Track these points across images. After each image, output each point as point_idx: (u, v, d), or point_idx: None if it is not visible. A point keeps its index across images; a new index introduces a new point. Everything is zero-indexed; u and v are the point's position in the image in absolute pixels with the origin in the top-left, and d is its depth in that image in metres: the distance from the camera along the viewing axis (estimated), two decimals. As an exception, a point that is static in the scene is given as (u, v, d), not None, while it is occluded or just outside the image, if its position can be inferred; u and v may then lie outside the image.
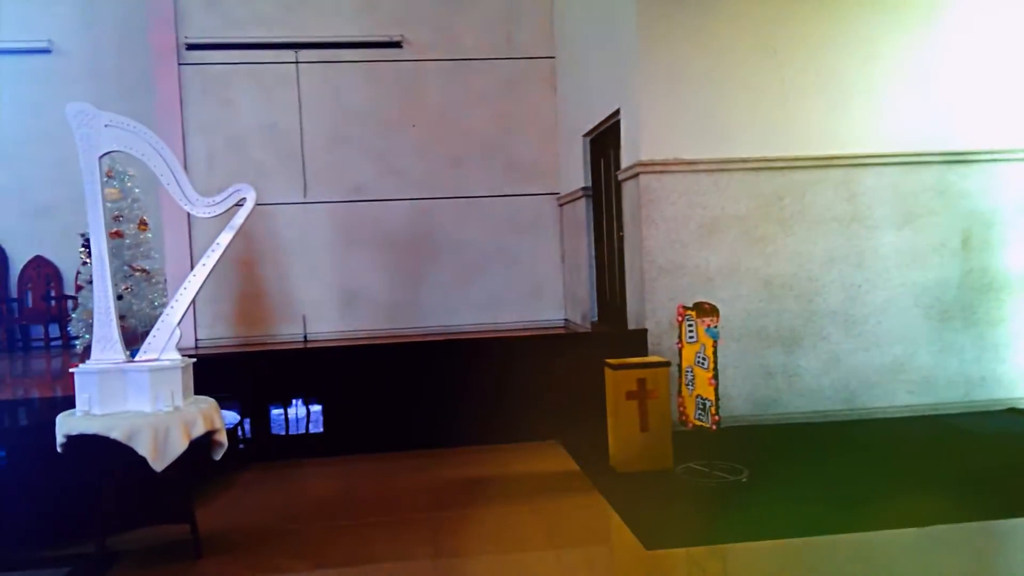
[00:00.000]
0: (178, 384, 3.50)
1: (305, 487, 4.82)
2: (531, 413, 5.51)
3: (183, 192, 3.58)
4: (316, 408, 6.68)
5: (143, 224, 5.68)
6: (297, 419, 6.03)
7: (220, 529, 3.93)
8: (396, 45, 7.58)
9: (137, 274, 5.54)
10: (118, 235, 5.51)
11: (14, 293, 8.25)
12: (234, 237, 3.72)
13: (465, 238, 7.72)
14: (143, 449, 3.28)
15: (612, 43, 5.94)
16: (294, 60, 7.53)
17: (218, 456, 3.71)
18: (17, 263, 8.32)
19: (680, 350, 4.55)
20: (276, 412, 6.12)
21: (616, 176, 5.93)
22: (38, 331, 8.21)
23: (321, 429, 5.68)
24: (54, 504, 3.81)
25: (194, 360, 3.69)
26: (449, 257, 7.70)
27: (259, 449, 5.70)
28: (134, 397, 3.44)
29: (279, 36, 7.50)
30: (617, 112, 5.89)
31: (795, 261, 5.50)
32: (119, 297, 5.43)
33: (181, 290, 3.65)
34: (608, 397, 4.67)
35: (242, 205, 3.66)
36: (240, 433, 6.15)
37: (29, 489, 3.82)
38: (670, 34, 5.36)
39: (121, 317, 5.40)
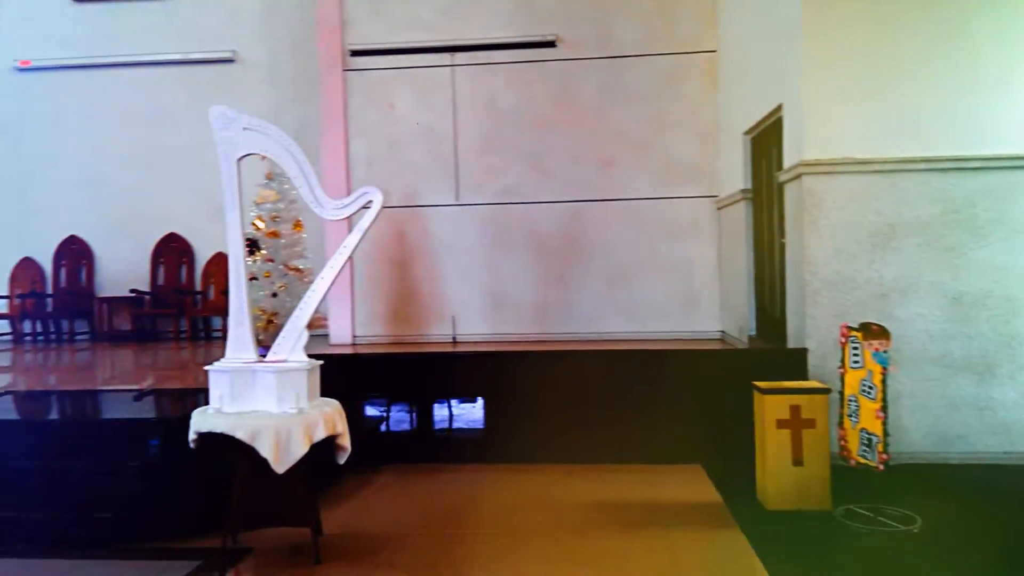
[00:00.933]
0: (303, 386, 3.52)
1: (434, 493, 4.76)
2: (675, 433, 5.17)
3: (314, 195, 3.61)
4: (456, 412, 6.68)
5: (298, 224, 5.90)
6: (436, 422, 6.03)
7: (345, 532, 3.94)
8: (550, 45, 7.41)
9: (291, 273, 5.76)
10: (275, 235, 5.75)
11: (199, 287, 8.96)
12: (361, 239, 3.70)
13: (616, 242, 7.41)
14: (265, 450, 3.31)
15: (775, 31, 5.43)
16: (450, 63, 7.58)
17: (341, 460, 3.70)
18: (203, 259, 9.04)
19: (843, 376, 4.02)
20: (417, 413, 6.16)
21: (777, 178, 5.42)
22: (218, 323, 8.87)
23: (459, 433, 5.65)
24: (193, 496, 3.97)
25: (321, 362, 3.70)
26: (600, 261, 7.43)
27: (398, 448, 5.75)
28: (262, 397, 3.50)
29: (437, 40, 7.57)
30: (780, 108, 5.37)
31: (990, 276, 4.74)
32: (274, 295, 5.67)
33: (310, 292, 3.67)
34: (757, 424, 4.23)
35: (369, 207, 3.62)
36: (384, 428, 6.27)
37: (172, 480, 4.01)
38: (838, 19, 4.80)
39: (275, 314, 5.66)
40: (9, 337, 8.76)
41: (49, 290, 9.03)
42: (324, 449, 3.60)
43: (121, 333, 8.90)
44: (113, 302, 8.95)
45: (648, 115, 7.36)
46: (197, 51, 8.90)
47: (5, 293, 8.89)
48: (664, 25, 7.34)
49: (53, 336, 8.94)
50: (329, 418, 3.51)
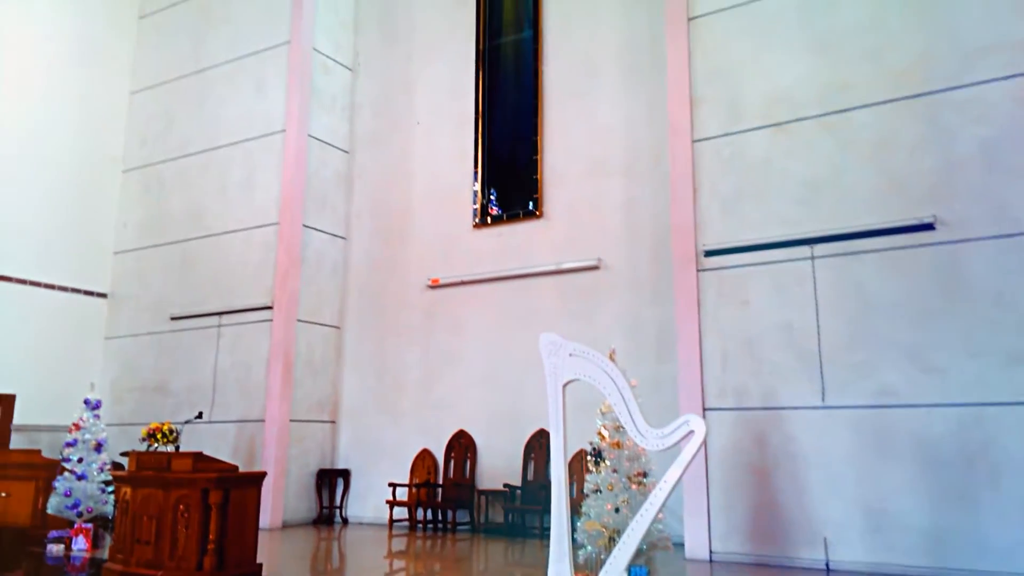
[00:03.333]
0: (620, 637, 3.21)
1: None
2: None
3: (634, 422, 3.46)
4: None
5: (642, 434, 5.75)
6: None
7: None
8: (928, 227, 6.57)
9: (634, 487, 5.55)
10: (618, 446, 5.65)
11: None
12: (683, 474, 3.40)
13: (1040, 456, 5.90)
14: None
15: None
16: (810, 256, 7.12)
17: None
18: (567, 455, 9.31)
19: None
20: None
21: None
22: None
23: None
24: None
25: (642, 609, 3.37)
26: (1017, 479, 5.94)
27: None
28: (578, 643, 3.26)
29: (794, 233, 7.23)
30: None
31: None
32: (616, 509, 5.49)
33: (628, 531, 3.44)
34: None
35: (691, 437, 3.34)
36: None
37: None
38: None
39: (616, 531, 5.44)
40: (406, 524, 9.81)
41: (440, 480, 10.02)
42: None
43: (495, 526, 9.40)
44: (489, 495, 9.58)
45: (1070, 297, 5.99)
46: (568, 261, 9.70)
47: (406, 481, 10.08)
48: (1082, 190, 6.08)
49: (440, 525, 9.79)
50: None
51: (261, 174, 11.11)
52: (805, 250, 7.15)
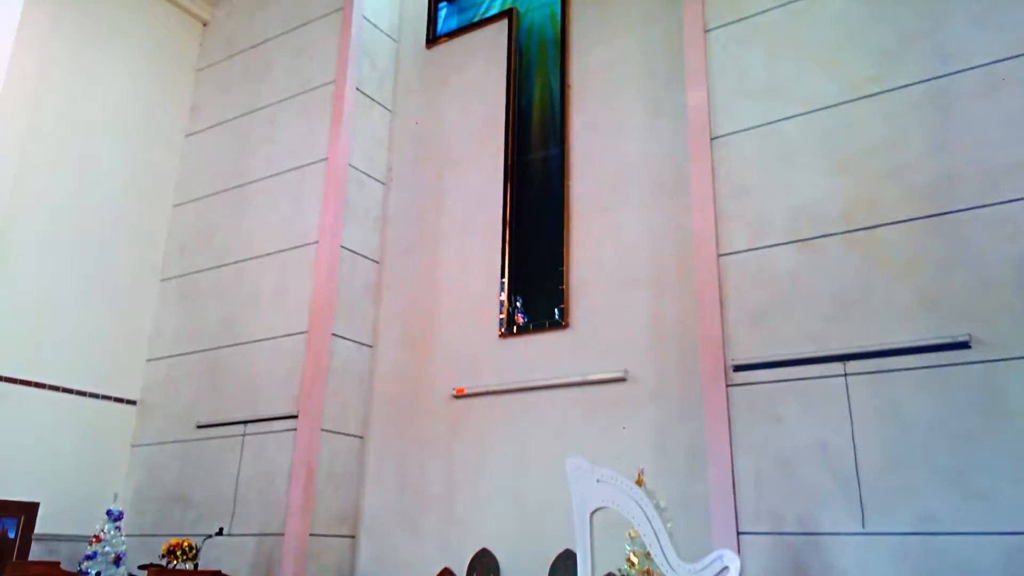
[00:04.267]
0: None
1: None
2: None
3: (664, 555, 3.34)
4: None
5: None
6: None
7: None
8: (963, 346, 6.45)
9: (666, 619, 5.29)
10: (648, 574, 5.42)
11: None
12: (717, 614, 3.23)
13: (1101, 591, 5.54)
14: None
15: None
16: (843, 373, 7.00)
17: None
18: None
19: None
20: None
21: None
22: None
23: None
24: None
25: None
26: (1078, 617, 5.57)
27: None
28: None
29: (825, 350, 7.13)
30: None
31: None
32: (646, 644, 5.20)
33: (659, 673, 3.24)
34: None
35: (725, 575, 3.20)
36: None
37: None
38: None
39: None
40: (424, 648, 9.36)
41: (462, 601, 9.61)
42: None
43: (523, 654, 8.94)
44: (513, 619, 9.15)
45: (1118, 421, 5.78)
46: (594, 372, 9.59)
47: (427, 602, 9.70)
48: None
49: (461, 651, 9.33)
50: None
51: (293, 284, 11.32)
52: (837, 367, 7.03)
